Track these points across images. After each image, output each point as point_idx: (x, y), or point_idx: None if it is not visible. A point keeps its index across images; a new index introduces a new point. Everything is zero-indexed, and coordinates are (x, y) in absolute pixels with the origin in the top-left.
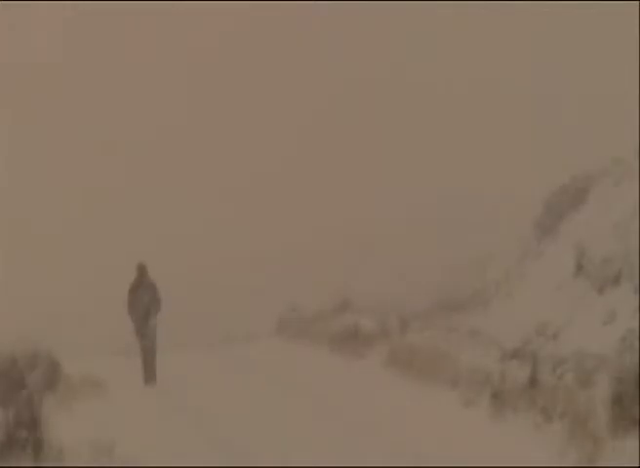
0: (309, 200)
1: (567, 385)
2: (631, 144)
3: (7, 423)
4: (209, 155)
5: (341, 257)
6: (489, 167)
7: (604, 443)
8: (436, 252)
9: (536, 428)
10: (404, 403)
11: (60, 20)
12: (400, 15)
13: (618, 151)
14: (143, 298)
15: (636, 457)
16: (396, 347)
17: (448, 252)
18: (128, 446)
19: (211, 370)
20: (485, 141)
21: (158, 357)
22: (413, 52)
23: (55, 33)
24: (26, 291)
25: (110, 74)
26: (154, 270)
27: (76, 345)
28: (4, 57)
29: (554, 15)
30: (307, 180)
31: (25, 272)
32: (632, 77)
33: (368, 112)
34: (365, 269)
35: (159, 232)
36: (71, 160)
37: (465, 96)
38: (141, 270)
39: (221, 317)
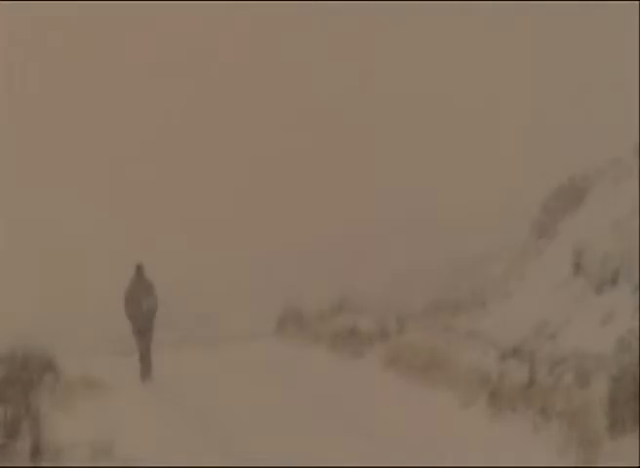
0: (309, 201)
1: (565, 385)
2: (630, 144)
3: (5, 423)
4: (209, 156)
5: (341, 258)
6: (487, 168)
7: (602, 443)
8: (434, 252)
9: (534, 428)
10: (402, 403)
11: (60, 20)
12: (402, 19)
13: (616, 151)
14: (141, 297)
15: (635, 457)
16: (395, 347)
17: (446, 252)
18: (126, 446)
19: (210, 369)
20: (483, 142)
21: (158, 356)
22: (412, 55)
23: (55, 33)
24: (25, 290)
25: (111, 74)
26: (154, 270)
27: (75, 345)
28: (5, 56)
29: (554, 15)
30: (307, 181)
31: (24, 272)
32: (632, 77)
33: (367, 114)
34: (364, 269)
35: (158, 232)
36: (71, 160)
37: (464, 98)
38: (139, 270)
39: (221, 316)
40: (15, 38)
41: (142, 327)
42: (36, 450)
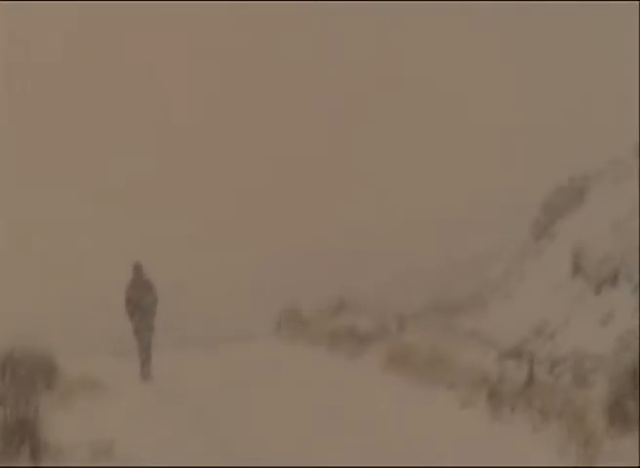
0: (309, 201)
1: (564, 385)
2: (630, 144)
3: (4, 423)
4: (208, 156)
5: (340, 258)
6: (487, 168)
7: (602, 443)
8: (434, 252)
9: (533, 428)
10: (402, 403)
11: (60, 21)
12: (402, 19)
13: (615, 151)
14: (140, 297)
15: (635, 457)
16: (394, 347)
17: (446, 252)
18: (126, 446)
19: (210, 369)
20: (483, 142)
21: (158, 356)
22: (412, 55)
23: (56, 33)
24: (24, 290)
25: (111, 74)
26: (154, 270)
27: (74, 345)
28: (5, 57)
29: (554, 15)
30: (307, 181)
31: (24, 272)
32: (632, 77)
33: (367, 114)
34: (363, 269)
35: (158, 232)
36: (71, 161)
37: (464, 98)
38: (137, 269)
39: (221, 317)
40: (15, 38)
41: (143, 326)
42: (36, 450)
